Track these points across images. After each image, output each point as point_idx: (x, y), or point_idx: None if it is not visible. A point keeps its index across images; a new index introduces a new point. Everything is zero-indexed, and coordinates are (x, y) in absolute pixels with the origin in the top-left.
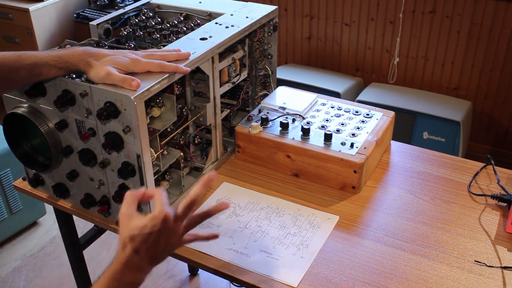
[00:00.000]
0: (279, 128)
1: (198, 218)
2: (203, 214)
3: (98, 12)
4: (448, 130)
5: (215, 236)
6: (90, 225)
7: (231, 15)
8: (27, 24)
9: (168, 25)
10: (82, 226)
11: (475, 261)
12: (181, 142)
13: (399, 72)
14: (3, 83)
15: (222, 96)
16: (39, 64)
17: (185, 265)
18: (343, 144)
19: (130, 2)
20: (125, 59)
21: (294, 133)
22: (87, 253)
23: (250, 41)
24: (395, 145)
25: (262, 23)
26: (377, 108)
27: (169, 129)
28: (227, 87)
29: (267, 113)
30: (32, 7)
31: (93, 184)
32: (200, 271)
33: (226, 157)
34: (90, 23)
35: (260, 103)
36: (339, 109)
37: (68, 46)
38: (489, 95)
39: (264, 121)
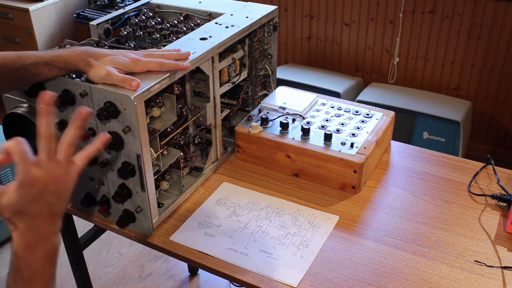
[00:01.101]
0: (279, 128)
1: (67, 144)
2: (68, 136)
3: (98, 12)
4: (448, 130)
5: (104, 139)
6: (90, 225)
7: (231, 15)
8: (27, 24)
9: (168, 25)
10: (82, 226)
11: (475, 261)
12: (181, 142)
13: (399, 72)
14: (3, 83)
15: (222, 96)
16: (39, 64)
17: (185, 265)
18: (343, 144)
19: (130, 2)
20: (125, 59)
21: (294, 133)
22: (87, 253)
23: (250, 41)
24: (395, 145)
25: (262, 23)
26: (377, 108)
27: (169, 129)
28: (227, 87)
29: (267, 113)
30: (32, 7)
31: (93, 184)
32: (200, 271)
33: (226, 157)
34: (90, 23)
35: (260, 103)
36: (339, 109)
37: (68, 46)
38: (489, 95)
39: (264, 121)
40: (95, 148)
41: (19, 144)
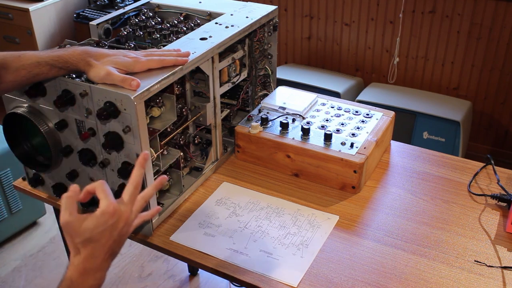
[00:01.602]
0: (279, 128)
1: (143, 200)
2: (147, 194)
3: (98, 12)
4: (448, 130)
5: (158, 210)
6: None
7: (231, 15)
8: (27, 24)
9: (168, 25)
10: None
11: (475, 261)
12: (181, 142)
13: (399, 72)
14: (3, 83)
15: (222, 96)
16: (39, 64)
17: (185, 265)
18: (343, 144)
19: (130, 2)
20: (125, 59)
21: (294, 133)
22: None
23: (250, 41)
24: (395, 145)
25: (262, 23)
26: (377, 108)
27: (169, 129)
28: (227, 87)
29: (267, 113)
30: (32, 7)
31: None
32: (200, 271)
33: (226, 157)
34: (90, 23)
35: (260, 103)
36: (339, 109)
37: (68, 46)
38: (489, 95)
39: (264, 121)
40: (150, 214)
41: (103, 183)
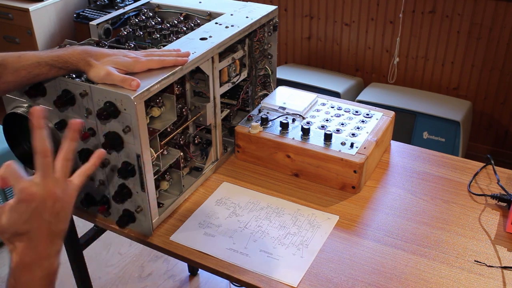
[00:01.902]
0: (279, 128)
1: (64, 160)
2: (69, 149)
3: (98, 12)
4: (448, 130)
5: (100, 155)
6: (90, 225)
7: (231, 15)
8: (27, 24)
9: (168, 25)
10: (82, 226)
11: (475, 261)
12: (181, 142)
13: (399, 72)
14: (3, 84)
15: (222, 96)
16: (39, 65)
17: (185, 265)
18: (343, 144)
19: (130, 2)
20: (125, 59)
21: (294, 133)
22: (87, 253)
23: (250, 41)
24: (395, 145)
25: (262, 23)
26: (377, 108)
27: (169, 129)
28: (227, 87)
29: (267, 113)
30: (32, 7)
31: (93, 184)
32: (200, 271)
33: (226, 157)
34: (90, 23)
35: (260, 103)
36: (339, 109)
37: (68, 46)
38: (489, 95)
39: (264, 121)
40: (91, 165)
41: (9, 166)
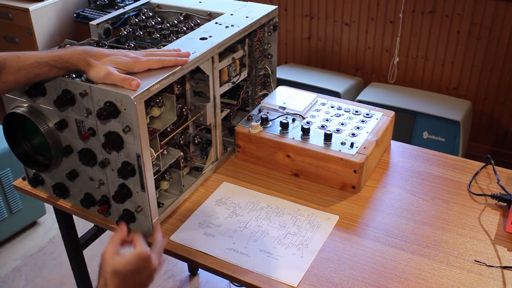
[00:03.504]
0: (279, 128)
1: (161, 253)
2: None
3: (98, 12)
4: (448, 130)
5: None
6: (90, 225)
7: (231, 15)
8: (27, 24)
9: (168, 25)
10: (82, 226)
11: (475, 261)
12: (181, 142)
13: (399, 72)
14: (3, 83)
15: (222, 96)
16: (39, 64)
17: (185, 265)
18: (343, 144)
19: (130, 2)
20: (125, 59)
21: (294, 133)
22: (87, 253)
23: (250, 41)
24: (395, 145)
25: (262, 23)
26: (377, 108)
27: (169, 129)
28: (227, 87)
29: (267, 113)
30: (32, 7)
31: (93, 184)
32: (200, 271)
33: (226, 157)
34: (90, 23)
35: (260, 103)
36: (339, 109)
37: (68, 46)
38: (489, 95)
39: (264, 121)
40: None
41: (142, 236)
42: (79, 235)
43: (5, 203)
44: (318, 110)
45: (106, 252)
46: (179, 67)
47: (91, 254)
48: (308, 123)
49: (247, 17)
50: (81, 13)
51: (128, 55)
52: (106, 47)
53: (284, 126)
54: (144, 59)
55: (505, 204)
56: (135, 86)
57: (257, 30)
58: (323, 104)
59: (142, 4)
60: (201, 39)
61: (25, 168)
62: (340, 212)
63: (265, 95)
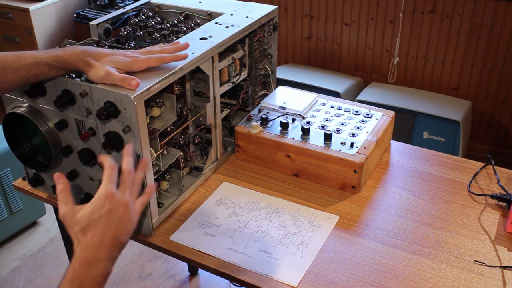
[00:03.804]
0: (279, 128)
1: (137, 185)
2: (138, 179)
3: (98, 12)
4: (448, 130)
5: (152, 188)
6: None
7: (231, 15)
8: (27, 24)
9: (168, 25)
10: None
11: (475, 261)
12: (181, 142)
13: (399, 72)
14: (2, 83)
15: (222, 96)
16: (39, 64)
17: (185, 265)
18: (343, 144)
19: (130, 2)
20: (124, 59)
21: (294, 133)
22: None
23: (250, 41)
24: (395, 145)
25: (262, 23)
26: (377, 108)
27: (169, 129)
28: (227, 87)
29: (267, 113)
30: (32, 7)
31: (93, 184)
32: (200, 271)
33: (226, 157)
34: (90, 23)
35: (260, 103)
36: (339, 109)
37: (68, 46)
38: (489, 95)
39: (264, 121)
40: (147, 196)
41: (112, 168)
42: None
43: (5, 203)
44: (318, 110)
45: (63, 214)
46: (179, 66)
47: None
48: (308, 123)
49: (247, 17)
50: (81, 13)
51: (127, 55)
52: (106, 47)
53: (284, 126)
54: (143, 58)
55: (505, 204)
56: (134, 85)
57: (257, 30)
58: (323, 104)
59: (142, 4)
60: (201, 39)
61: (25, 168)
62: (340, 212)
63: (265, 95)
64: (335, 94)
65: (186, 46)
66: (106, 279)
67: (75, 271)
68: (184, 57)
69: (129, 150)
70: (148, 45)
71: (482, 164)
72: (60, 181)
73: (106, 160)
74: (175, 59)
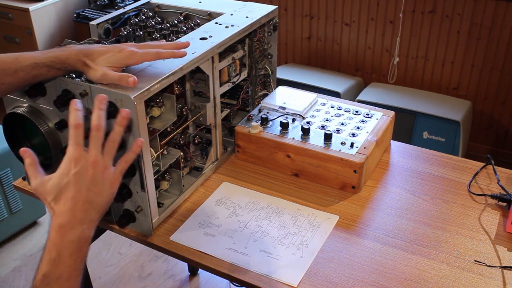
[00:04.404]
0: (279, 128)
1: (113, 142)
2: (115, 134)
3: (98, 12)
4: (448, 130)
5: (139, 143)
6: None
7: (231, 15)
8: (27, 24)
9: (168, 25)
10: None
11: (475, 261)
12: (181, 142)
13: (399, 72)
14: (1, 85)
15: (222, 96)
16: (37, 65)
17: (185, 265)
18: (343, 144)
19: (130, 2)
20: (120, 55)
21: (294, 133)
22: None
23: (250, 41)
24: (395, 145)
25: (262, 23)
26: (377, 108)
27: (169, 129)
28: (227, 87)
29: (267, 113)
30: (32, 7)
31: None
32: (200, 271)
33: (226, 157)
34: (90, 23)
35: (260, 103)
36: (339, 109)
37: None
38: (489, 95)
39: (264, 121)
40: (132, 153)
41: (77, 126)
42: None
43: (5, 203)
44: (318, 110)
45: (35, 188)
46: (179, 66)
47: (91, 254)
48: (308, 123)
49: (247, 17)
50: (81, 13)
51: (124, 50)
52: None
53: (284, 126)
54: (140, 52)
55: (505, 204)
56: (132, 83)
57: (257, 30)
58: (323, 104)
59: (142, 4)
60: (201, 39)
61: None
62: (340, 212)
63: (265, 95)
64: (335, 94)
65: (187, 45)
66: (86, 243)
67: (51, 239)
68: (183, 55)
69: (103, 100)
70: None
71: (482, 164)
72: (26, 155)
73: (71, 117)
74: (173, 55)
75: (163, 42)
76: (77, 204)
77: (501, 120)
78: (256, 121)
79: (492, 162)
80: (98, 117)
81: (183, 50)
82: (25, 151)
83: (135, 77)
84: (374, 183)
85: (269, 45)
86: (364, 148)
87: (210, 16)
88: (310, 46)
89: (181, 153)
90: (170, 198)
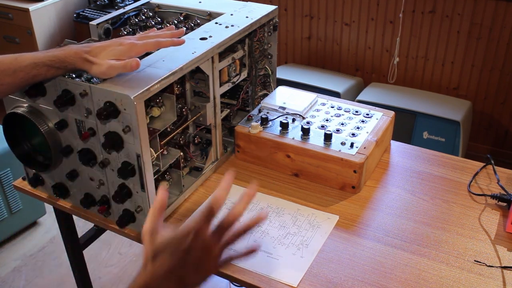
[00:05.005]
0: (279, 128)
1: (237, 235)
2: (243, 229)
3: (98, 12)
4: (448, 130)
5: (254, 250)
6: (90, 225)
7: (231, 15)
8: (27, 24)
9: (168, 25)
10: (82, 226)
11: (475, 261)
12: (181, 142)
13: (399, 72)
14: (1, 86)
15: (222, 96)
16: (37, 65)
17: None
18: (343, 144)
19: (130, 2)
20: (121, 48)
21: (294, 133)
22: (87, 253)
23: (250, 41)
24: (395, 145)
25: (262, 23)
26: (377, 108)
27: (169, 129)
28: (227, 87)
29: (267, 113)
30: (32, 7)
31: (93, 184)
32: None
33: (226, 157)
34: (90, 23)
35: (260, 103)
36: (339, 109)
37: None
38: (489, 95)
39: (264, 121)
40: (243, 254)
41: (217, 204)
42: (79, 235)
43: (5, 203)
44: (318, 110)
45: (145, 232)
46: (179, 66)
47: (91, 254)
48: (308, 123)
49: (247, 17)
50: (81, 13)
51: (123, 43)
52: None
53: (284, 126)
54: (140, 43)
55: (505, 204)
56: (135, 66)
57: (257, 30)
58: (323, 104)
59: (142, 4)
60: (201, 39)
61: (25, 168)
62: (340, 212)
63: (265, 95)
64: (335, 94)
65: (181, 33)
66: None
67: (136, 282)
68: (181, 42)
69: (252, 192)
70: None
71: (482, 164)
72: (158, 198)
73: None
74: (172, 43)
75: (155, 30)
76: (171, 277)
77: (501, 120)
78: (256, 121)
79: (492, 162)
80: (243, 209)
81: (181, 38)
82: (164, 192)
83: (138, 60)
84: (374, 183)
85: (269, 45)
86: (364, 148)
87: (210, 16)
88: (310, 46)
89: (181, 153)
90: (170, 198)
